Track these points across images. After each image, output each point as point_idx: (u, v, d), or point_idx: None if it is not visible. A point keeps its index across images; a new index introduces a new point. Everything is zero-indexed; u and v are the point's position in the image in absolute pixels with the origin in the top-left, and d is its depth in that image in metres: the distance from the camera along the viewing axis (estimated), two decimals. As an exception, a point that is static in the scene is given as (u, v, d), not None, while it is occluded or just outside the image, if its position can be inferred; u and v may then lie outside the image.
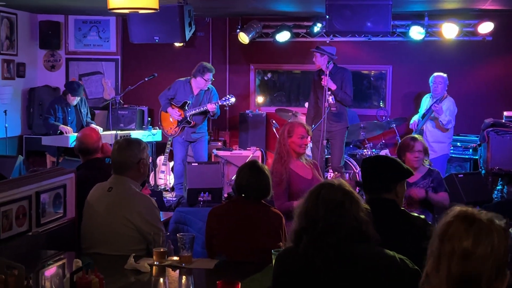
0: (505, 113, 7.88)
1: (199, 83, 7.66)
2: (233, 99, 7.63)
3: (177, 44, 9.21)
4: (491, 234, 1.71)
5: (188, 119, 7.66)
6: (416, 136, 5.04)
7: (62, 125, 7.79)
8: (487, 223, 1.73)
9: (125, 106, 9.16)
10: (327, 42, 8.79)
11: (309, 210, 2.31)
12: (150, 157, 7.86)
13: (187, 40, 7.80)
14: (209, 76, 7.61)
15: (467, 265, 1.70)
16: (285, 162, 4.68)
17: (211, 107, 7.52)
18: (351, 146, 8.47)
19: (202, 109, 7.59)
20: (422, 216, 3.02)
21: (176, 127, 7.77)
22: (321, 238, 2.25)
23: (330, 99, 7.03)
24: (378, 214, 2.45)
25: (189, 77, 7.77)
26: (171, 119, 7.79)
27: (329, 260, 2.23)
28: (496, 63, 8.88)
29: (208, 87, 7.72)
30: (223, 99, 7.63)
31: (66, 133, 7.66)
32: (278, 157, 4.77)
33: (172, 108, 7.73)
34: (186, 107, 7.65)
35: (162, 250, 3.28)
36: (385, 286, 2.21)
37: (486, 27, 8.34)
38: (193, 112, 7.62)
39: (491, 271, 1.69)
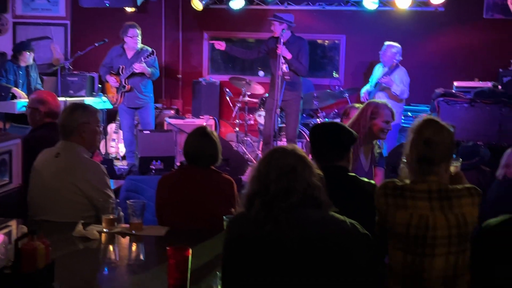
0: (455, 83, 7.99)
1: (129, 44, 7.46)
2: (153, 54, 7.40)
3: (128, 9, 8.99)
4: (444, 129, 2.66)
5: (123, 83, 7.49)
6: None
7: (14, 88, 7.55)
8: (441, 123, 2.69)
9: (74, 72, 8.92)
10: (282, 9, 8.72)
11: (261, 174, 2.29)
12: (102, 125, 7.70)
13: (138, 5, 7.63)
14: (134, 32, 7.37)
15: (427, 149, 2.62)
16: (356, 147, 4.04)
17: (138, 66, 7.28)
18: (304, 115, 8.49)
19: (132, 70, 7.35)
20: (373, 182, 3.04)
21: (116, 94, 7.59)
22: (272, 203, 2.23)
23: (284, 67, 6.99)
24: (330, 181, 2.43)
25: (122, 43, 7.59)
26: (111, 88, 7.62)
27: (280, 224, 2.21)
28: (447, 34, 8.98)
29: (140, 48, 7.49)
30: (145, 55, 7.35)
31: (20, 98, 7.42)
32: None
33: (110, 75, 7.54)
34: (121, 72, 7.47)
35: (111, 217, 3.22)
36: (335, 250, 2.20)
37: (438, -2, 8.40)
38: (126, 75, 7.43)
39: (443, 154, 2.64)
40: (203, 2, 8.76)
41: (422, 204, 2.55)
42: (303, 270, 2.19)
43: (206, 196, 3.43)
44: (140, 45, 7.46)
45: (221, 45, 7.42)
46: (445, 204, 2.54)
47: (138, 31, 7.41)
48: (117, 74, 7.48)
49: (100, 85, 8.56)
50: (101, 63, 7.65)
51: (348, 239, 2.23)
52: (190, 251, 2.41)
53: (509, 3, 7.11)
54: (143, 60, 7.32)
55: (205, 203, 3.41)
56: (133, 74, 7.39)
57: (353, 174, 3.01)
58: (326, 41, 9.65)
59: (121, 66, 7.44)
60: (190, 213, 3.37)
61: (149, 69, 7.38)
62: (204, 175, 3.52)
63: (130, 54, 7.50)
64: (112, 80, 7.50)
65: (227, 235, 2.36)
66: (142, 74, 7.42)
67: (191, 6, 8.84)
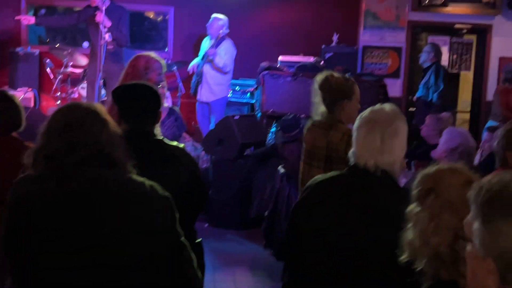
0: (280, 58, 8.14)
1: None
2: None
3: None
4: None
5: None
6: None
7: None
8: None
9: None
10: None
11: (48, 128, 2.08)
12: None
13: None
14: None
15: None
16: None
17: None
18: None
19: None
20: (181, 145, 2.92)
21: None
22: (56, 157, 2.03)
23: (107, 36, 6.70)
24: (135, 145, 2.27)
25: None
26: None
27: (64, 182, 2.01)
28: (274, 9, 9.12)
29: None
30: None
31: None
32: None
33: None
34: None
35: None
36: (131, 212, 2.05)
37: (264, -27, 8.49)
38: None
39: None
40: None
41: None
42: (94, 232, 2.02)
43: (5, 166, 3.12)
44: None
45: (29, 20, 6.96)
46: None
47: None
48: None
49: None
50: None
51: (147, 200, 2.09)
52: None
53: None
54: None
55: (4, 174, 3.10)
56: None
57: (160, 137, 2.87)
58: (154, 13, 9.40)
59: None
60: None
61: None
62: (4, 143, 3.21)
63: None
64: None
65: (8, 198, 2.11)
66: None
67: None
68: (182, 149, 2.88)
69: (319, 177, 2.64)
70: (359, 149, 2.46)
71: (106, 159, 2.07)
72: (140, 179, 2.13)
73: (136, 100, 2.81)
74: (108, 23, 6.71)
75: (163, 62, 4.28)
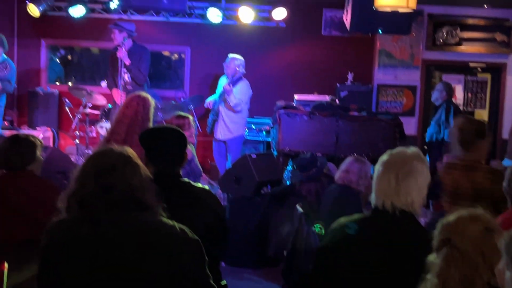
0: (296, 97, 8.24)
1: None
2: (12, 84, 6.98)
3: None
4: None
5: None
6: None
7: None
8: None
9: None
10: (125, 18, 8.51)
11: (81, 173, 2.14)
12: None
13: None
14: None
15: None
16: None
17: None
18: (148, 126, 8.31)
19: None
20: (206, 187, 2.97)
21: None
22: (89, 202, 2.08)
23: (126, 76, 6.84)
24: (162, 186, 2.32)
25: None
26: None
27: (99, 226, 2.06)
28: (289, 49, 9.26)
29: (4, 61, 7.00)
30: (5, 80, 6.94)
31: None
32: None
33: None
34: None
35: None
36: (163, 255, 2.09)
37: (280, 14, 8.63)
38: None
39: None
40: (40, 9, 8.31)
41: None
42: (127, 276, 2.05)
43: (28, 204, 3.19)
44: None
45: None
46: None
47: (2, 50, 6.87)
48: None
49: None
50: None
51: (178, 243, 2.13)
52: (6, 265, 2.20)
53: (344, 20, 7.45)
54: None
55: (28, 210, 3.17)
56: None
57: (187, 179, 2.92)
58: (171, 53, 9.57)
59: None
60: (13, 222, 3.10)
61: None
62: (24, 181, 3.29)
63: None
64: None
65: (43, 242, 2.16)
66: None
67: (27, 11, 8.37)
68: (208, 191, 2.93)
69: (343, 219, 2.66)
70: (376, 190, 2.49)
71: (138, 203, 2.12)
72: (170, 222, 2.18)
73: (163, 143, 2.87)
74: (128, 61, 6.86)
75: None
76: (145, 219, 2.13)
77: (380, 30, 7.08)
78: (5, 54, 7.21)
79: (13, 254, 2.67)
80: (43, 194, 3.25)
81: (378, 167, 2.52)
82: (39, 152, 3.49)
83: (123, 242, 2.07)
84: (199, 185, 2.97)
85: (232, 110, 7.59)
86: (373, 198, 2.52)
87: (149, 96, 4.58)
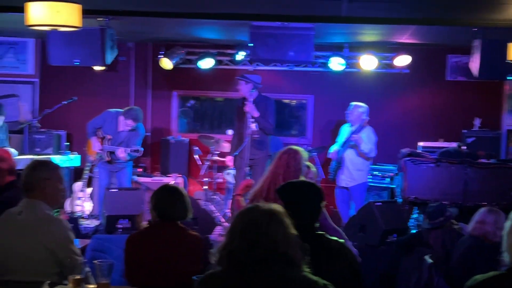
0: (421, 144, 8.15)
1: (121, 123, 7.49)
2: (141, 151, 7.42)
3: (97, 68, 9.01)
4: None
5: (105, 155, 7.48)
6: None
7: None
8: None
9: (42, 130, 8.84)
10: (251, 70, 8.84)
11: (232, 228, 2.31)
12: (66, 182, 7.59)
13: (108, 64, 7.64)
14: (130, 122, 7.40)
15: None
16: None
17: (121, 155, 7.31)
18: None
19: (115, 150, 7.38)
20: (341, 240, 3.04)
21: (96, 155, 7.61)
22: (237, 256, 2.22)
23: (253, 126, 7.07)
24: (304, 241, 2.42)
25: (120, 110, 7.55)
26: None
27: (246, 279, 2.19)
28: (412, 95, 9.21)
29: (134, 127, 7.49)
30: (133, 149, 7.36)
31: None
32: None
33: (96, 138, 7.53)
34: (106, 142, 7.47)
35: (78, 277, 3.14)
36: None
37: (403, 60, 8.64)
38: (109, 149, 7.45)
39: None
40: (173, 62, 8.85)
41: None
42: None
43: (174, 254, 3.39)
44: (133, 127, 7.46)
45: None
46: None
47: (135, 123, 7.42)
48: (103, 138, 7.47)
49: (68, 143, 8.50)
50: (92, 120, 7.60)
51: None
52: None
53: (470, 66, 7.34)
54: (128, 151, 7.32)
55: (174, 261, 3.37)
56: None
57: (321, 232, 3.01)
58: (294, 101, 9.80)
59: (107, 136, 7.43)
60: (160, 272, 3.32)
61: (128, 156, 7.41)
62: (172, 233, 3.50)
63: (121, 128, 7.49)
64: (95, 145, 7.47)
65: None
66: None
67: (160, 65, 8.93)
68: (344, 245, 3.00)
69: (478, 277, 2.63)
70: (509, 247, 2.45)
71: (283, 258, 2.23)
72: (314, 277, 2.27)
73: (302, 197, 3.00)
74: (256, 114, 7.10)
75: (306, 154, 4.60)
76: (289, 274, 2.24)
77: (510, 77, 6.93)
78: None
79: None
80: (188, 244, 3.45)
81: (510, 223, 2.48)
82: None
83: None
84: (334, 238, 3.05)
85: (362, 157, 7.61)
86: (506, 256, 2.48)
87: (300, 149, 4.73)
